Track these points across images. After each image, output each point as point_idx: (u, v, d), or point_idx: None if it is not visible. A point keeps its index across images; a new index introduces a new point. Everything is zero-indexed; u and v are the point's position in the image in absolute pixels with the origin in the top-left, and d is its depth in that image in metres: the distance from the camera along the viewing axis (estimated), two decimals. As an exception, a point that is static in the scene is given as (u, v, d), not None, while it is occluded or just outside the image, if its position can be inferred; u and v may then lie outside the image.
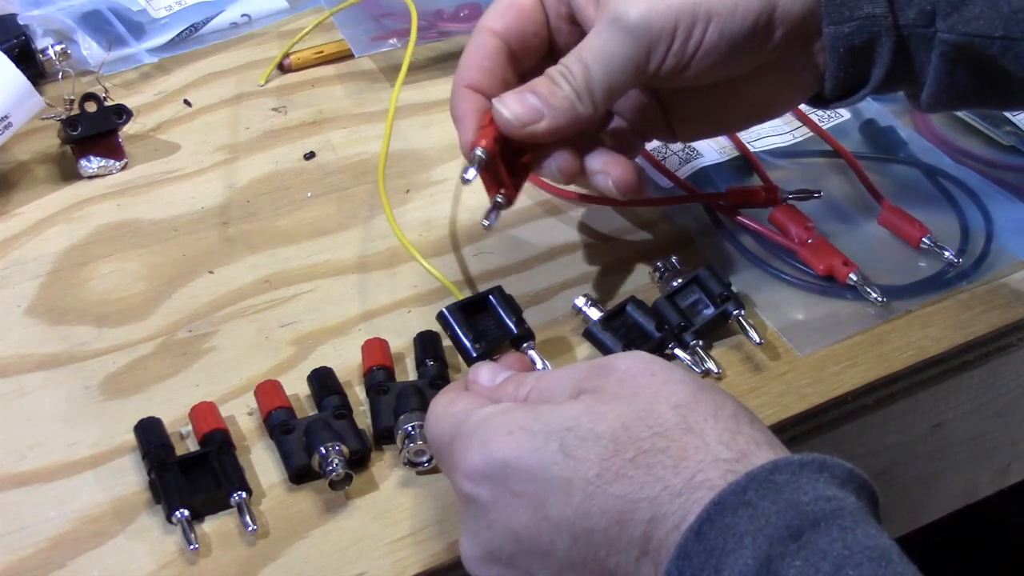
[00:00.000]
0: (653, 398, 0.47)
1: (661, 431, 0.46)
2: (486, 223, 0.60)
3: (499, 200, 0.61)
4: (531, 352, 0.62)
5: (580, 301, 0.65)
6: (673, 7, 0.56)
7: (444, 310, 0.63)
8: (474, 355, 0.61)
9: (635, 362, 0.49)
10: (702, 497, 0.44)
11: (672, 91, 0.64)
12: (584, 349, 0.64)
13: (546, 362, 0.62)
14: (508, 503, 0.47)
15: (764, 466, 0.43)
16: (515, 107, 0.58)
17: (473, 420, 0.49)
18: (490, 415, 0.49)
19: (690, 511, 0.44)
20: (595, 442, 0.46)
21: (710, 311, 0.64)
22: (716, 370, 0.62)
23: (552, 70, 0.59)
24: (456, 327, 0.62)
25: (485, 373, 0.54)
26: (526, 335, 0.62)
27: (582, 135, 0.61)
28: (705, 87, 0.61)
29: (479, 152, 0.59)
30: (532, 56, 0.63)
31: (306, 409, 0.61)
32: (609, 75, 0.58)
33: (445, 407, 0.51)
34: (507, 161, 0.61)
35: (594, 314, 0.64)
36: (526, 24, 0.62)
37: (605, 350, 0.63)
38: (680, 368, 0.50)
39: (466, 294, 0.66)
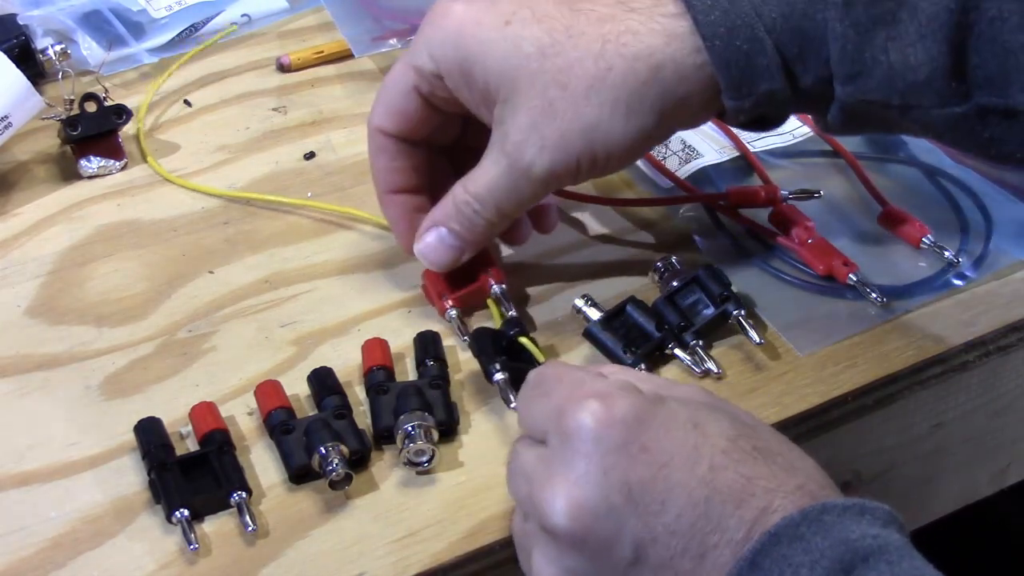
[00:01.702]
0: (749, 417, 0.51)
1: (771, 439, 0.49)
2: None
3: (452, 315, 0.65)
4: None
5: (580, 301, 0.65)
6: (574, 155, 0.58)
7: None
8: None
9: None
10: (806, 504, 0.46)
11: None
12: (584, 349, 0.64)
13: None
14: (632, 454, 0.47)
15: (815, 506, 0.46)
16: (435, 256, 0.63)
17: (611, 375, 0.51)
18: (634, 374, 0.53)
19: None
20: (720, 423, 0.49)
21: (710, 311, 0.64)
22: (716, 370, 0.62)
23: (462, 203, 0.61)
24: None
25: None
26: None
27: None
28: None
29: (453, 314, 0.64)
30: (431, 134, 0.64)
31: (306, 409, 0.61)
32: (518, 207, 0.62)
33: (557, 363, 0.56)
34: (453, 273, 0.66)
35: (594, 314, 0.64)
36: (412, 122, 0.63)
37: (605, 350, 0.63)
38: None
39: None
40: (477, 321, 0.66)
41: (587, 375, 0.51)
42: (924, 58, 0.54)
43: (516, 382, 0.60)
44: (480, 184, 0.61)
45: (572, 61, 0.57)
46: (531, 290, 0.68)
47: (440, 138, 0.65)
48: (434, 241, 0.63)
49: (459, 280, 0.66)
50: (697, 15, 0.56)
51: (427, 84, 0.61)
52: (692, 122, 0.62)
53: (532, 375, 0.53)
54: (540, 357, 0.62)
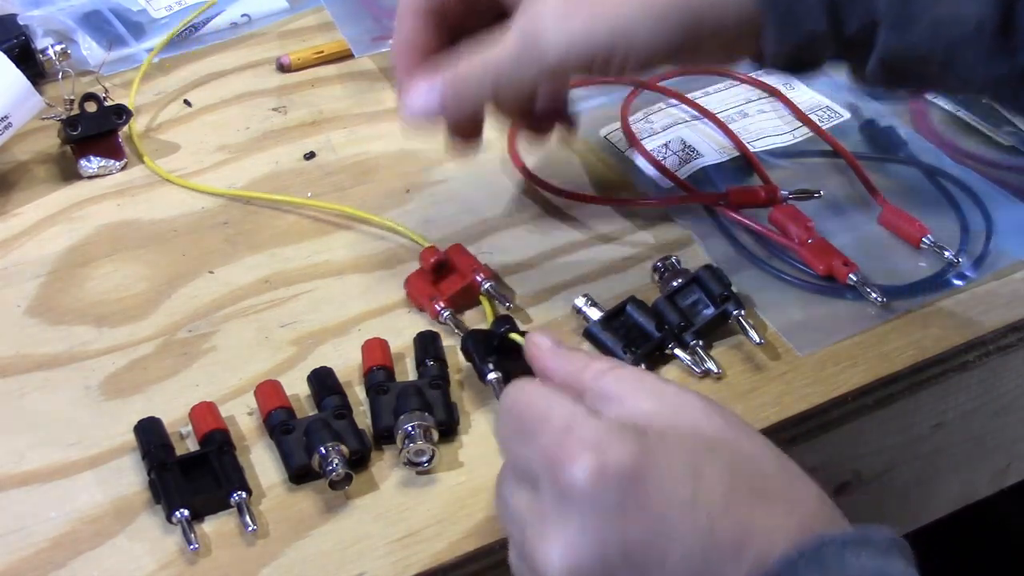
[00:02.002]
0: (752, 442, 0.48)
1: (770, 472, 0.47)
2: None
3: (446, 315, 0.65)
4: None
5: (580, 301, 0.65)
6: (592, 48, 0.57)
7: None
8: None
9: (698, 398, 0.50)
10: (807, 544, 0.44)
11: None
12: (584, 349, 0.64)
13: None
14: (629, 512, 0.45)
15: (812, 540, 0.44)
16: (413, 103, 0.61)
17: (594, 418, 0.47)
18: (614, 414, 0.48)
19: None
20: (721, 467, 0.46)
21: (710, 311, 0.64)
22: (716, 370, 0.62)
23: (463, 66, 0.60)
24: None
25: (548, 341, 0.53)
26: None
27: None
28: None
29: (447, 315, 0.65)
30: (461, 16, 0.63)
31: (306, 409, 0.61)
32: (516, 87, 0.60)
33: (539, 389, 0.49)
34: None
35: (594, 314, 0.64)
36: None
37: (605, 350, 0.63)
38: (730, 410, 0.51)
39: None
40: (469, 319, 0.66)
41: (576, 414, 0.47)
42: (972, 12, 0.54)
43: (511, 380, 0.60)
44: (489, 54, 0.59)
45: None
46: (531, 290, 0.68)
47: (470, 23, 0.64)
48: (422, 91, 0.61)
49: (441, 284, 0.66)
50: None
51: None
52: (720, 55, 0.61)
53: (507, 400, 0.50)
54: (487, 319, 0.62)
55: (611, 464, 0.45)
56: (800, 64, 0.59)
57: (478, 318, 0.66)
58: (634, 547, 0.45)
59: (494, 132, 0.79)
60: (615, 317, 0.64)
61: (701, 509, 0.45)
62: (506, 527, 0.50)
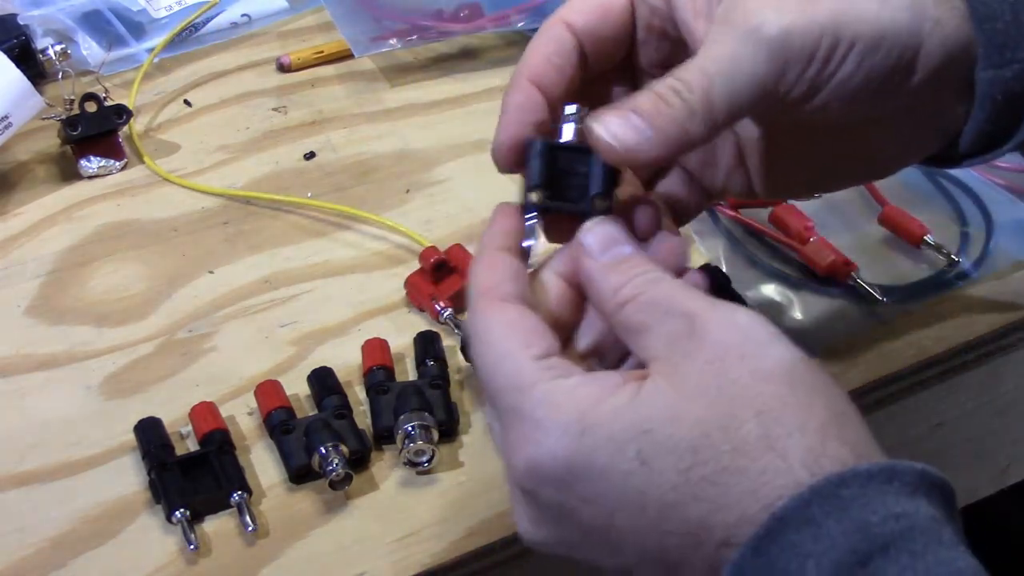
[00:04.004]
0: (737, 399, 0.42)
1: (742, 446, 0.41)
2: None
3: (447, 315, 0.64)
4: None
5: None
6: (817, 23, 0.47)
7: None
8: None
9: (730, 334, 0.44)
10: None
11: (760, 135, 0.53)
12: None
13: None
14: (574, 507, 0.43)
15: (830, 478, 0.40)
16: (616, 128, 0.47)
17: (537, 395, 0.44)
18: (557, 395, 0.43)
19: None
20: (673, 451, 0.42)
21: (710, 311, 0.64)
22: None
23: (661, 86, 0.47)
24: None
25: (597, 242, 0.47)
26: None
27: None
28: (804, 132, 0.52)
29: (448, 314, 0.64)
30: (603, 64, 0.53)
31: (306, 409, 0.61)
32: (734, 93, 0.47)
33: (508, 354, 0.45)
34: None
35: None
36: (610, 28, 0.52)
37: None
38: (776, 348, 0.44)
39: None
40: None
41: (518, 388, 0.44)
42: None
43: None
44: (690, 65, 0.47)
45: None
46: (531, 290, 0.68)
47: (605, 57, 0.53)
48: (617, 114, 0.47)
49: (441, 284, 0.66)
50: None
51: None
52: (927, 88, 0.49)
53: (472, 334, 0.47)
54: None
55: (544, 467, 0.43)
56: (1000, 130, 0.51)
57: (478, 318, 0.66)
58: (590, 531, 0.44)
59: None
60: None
61: (651, 504, 0.42)
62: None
